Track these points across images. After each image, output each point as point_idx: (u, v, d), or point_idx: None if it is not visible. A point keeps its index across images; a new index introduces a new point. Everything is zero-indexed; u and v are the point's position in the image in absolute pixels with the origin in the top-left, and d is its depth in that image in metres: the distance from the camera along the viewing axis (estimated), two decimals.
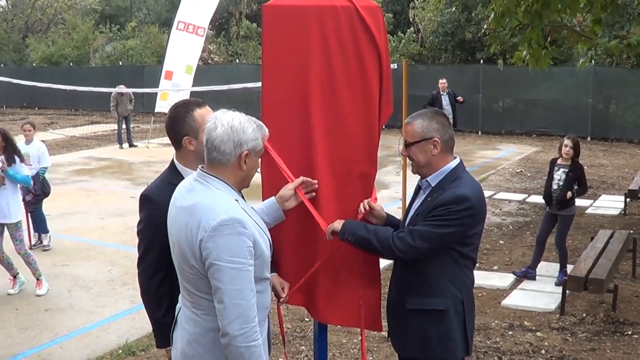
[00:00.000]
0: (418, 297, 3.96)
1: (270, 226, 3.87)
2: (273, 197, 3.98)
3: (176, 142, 3.94)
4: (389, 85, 4.13)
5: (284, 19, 4.07)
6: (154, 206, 3.82)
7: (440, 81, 19.59)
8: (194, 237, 3.28)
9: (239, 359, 3.24)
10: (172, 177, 3.90)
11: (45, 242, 11.05)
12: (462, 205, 3.76)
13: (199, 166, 3.49)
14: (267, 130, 3.50)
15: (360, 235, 3.89)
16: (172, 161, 4.04)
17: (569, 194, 8.89)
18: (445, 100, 19.28)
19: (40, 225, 11.08)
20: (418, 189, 4.14)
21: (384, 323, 4.29)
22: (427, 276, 3.91)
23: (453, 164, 3.98)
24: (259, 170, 3.74)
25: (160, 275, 3.90)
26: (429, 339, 3.95)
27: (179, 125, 3.88)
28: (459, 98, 19.59)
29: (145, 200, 3.94)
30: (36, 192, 10.68)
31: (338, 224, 3.93)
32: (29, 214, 10.96)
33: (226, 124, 3.35)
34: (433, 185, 3.95)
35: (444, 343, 3.94)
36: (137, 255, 4.04)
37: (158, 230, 3.72)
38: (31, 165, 10.43)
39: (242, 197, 3.56)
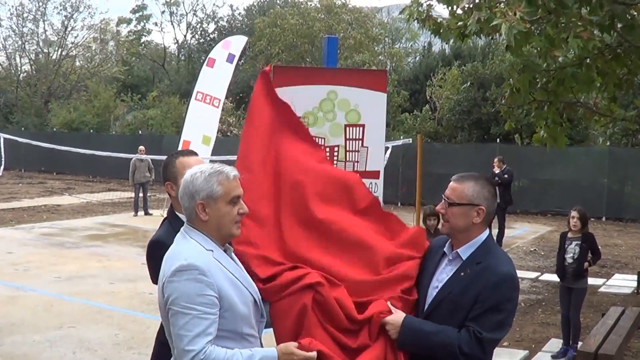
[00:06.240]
0: None
1: None
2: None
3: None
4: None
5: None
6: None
7: (495, 160, 18.32)
8: (160, 285, 3.31)
9: None
10: (173, 221, 4.00)
11: None
12: (513, 290, 3.63)
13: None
14: (231, 173, 3.42)
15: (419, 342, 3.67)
16: (171, 205, 4.19)
17: (586, 264, 9.00)
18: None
19: None
20: (441, 256, 3.91)
21: None
22: None
23: (484, 235, 3.79)
24: None
25: None
26: None
27: (164, 171, 4.11)
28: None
29: (157, 247, 3.92)
30: None
31: (396, 320, 3.70)
32: None
33: (184, 179, 3.40)
34: (464, 258, 3.74)
35: None
36: (144, 321, 4.02)
37: None
38: None
39: (225, 248, 3.50)
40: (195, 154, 4.24)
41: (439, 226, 4.00)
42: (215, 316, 3.23)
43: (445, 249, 3.90)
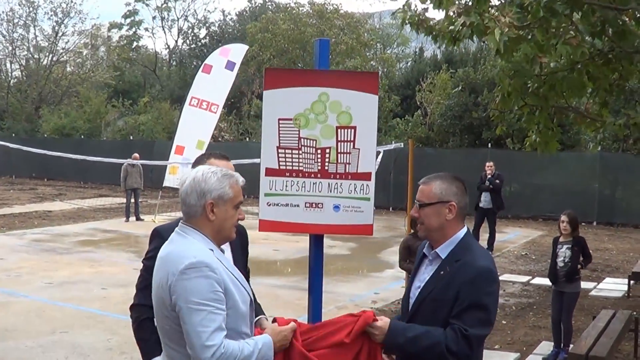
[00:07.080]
0: None
1: None
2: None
3: None
4: None
5: None
6: (163, 241, 3.70)
7: (487, 164, 17.80)
8: (165, 284, 3.28)
9: None
10: None
11: None
12: (491, 283, 3.68)
13: (181, 220, 3.51)
14: (239, 178, 3.50)
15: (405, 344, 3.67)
16: None
17: (579, 266, 9.04)
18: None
19: None
20: (422, 258, 3.96)
21: None
22: None
23: (462, 232, 3.82)
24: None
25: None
26: None
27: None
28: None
29: (156, 235, 4.03)
30: None
31: (382, 325, 3.72)
32: None
33: (191, 177, 3.39)
34: (443, 257, 3.77)
35: None
36: None
37: None
38: None
39: (221, 249, 3.52)
40: (226, 157, 4.20)
41: None
42: (225, 312, 3.25)
43: (425, 250, 3.95)
